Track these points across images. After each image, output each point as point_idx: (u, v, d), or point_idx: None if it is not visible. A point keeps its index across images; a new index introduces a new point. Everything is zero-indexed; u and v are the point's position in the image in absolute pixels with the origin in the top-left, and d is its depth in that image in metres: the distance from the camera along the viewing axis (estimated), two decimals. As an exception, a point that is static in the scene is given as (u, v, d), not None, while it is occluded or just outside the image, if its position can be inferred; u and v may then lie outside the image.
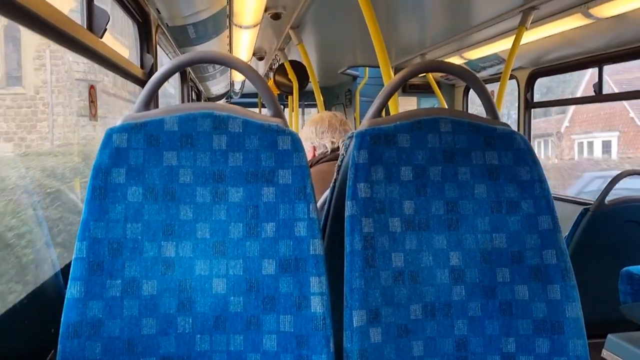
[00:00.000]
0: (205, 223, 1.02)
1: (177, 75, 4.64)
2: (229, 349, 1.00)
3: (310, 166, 2.14)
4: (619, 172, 2.79)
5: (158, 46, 2.76)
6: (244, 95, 8.59)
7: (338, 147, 2.15)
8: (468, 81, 1.17)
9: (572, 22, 3.12)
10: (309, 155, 2.23)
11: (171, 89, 5.04)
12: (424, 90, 5.71)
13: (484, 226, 1.10)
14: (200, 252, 1.02)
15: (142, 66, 2.43)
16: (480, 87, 1.16)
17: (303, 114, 9.32)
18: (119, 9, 2.22)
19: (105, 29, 1.67)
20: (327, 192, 1.27)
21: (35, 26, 1.22)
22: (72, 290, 0.97)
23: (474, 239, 1.09)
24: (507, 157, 1.12)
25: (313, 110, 9.36)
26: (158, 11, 2.45)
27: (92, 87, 1.68)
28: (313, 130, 2.21)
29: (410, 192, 1.09)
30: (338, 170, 1.20)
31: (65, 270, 1.01)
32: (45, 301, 1.24)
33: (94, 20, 1.64)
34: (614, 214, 2.69)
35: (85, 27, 1.61)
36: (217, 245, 1.02)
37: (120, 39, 3.37)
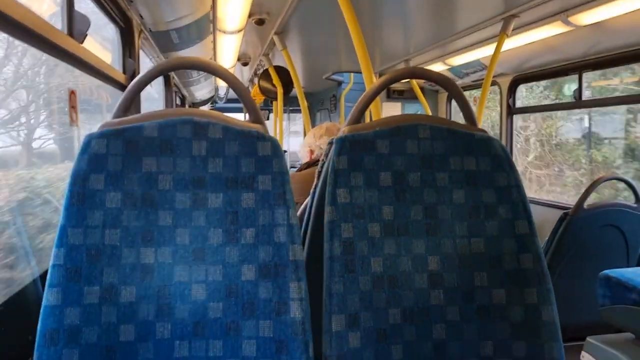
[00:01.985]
0: (185, 229, 1.02)
1: (161, 81, 4.61)
2: (208, 354, 1.00)
3: (305, 168, 2.18)
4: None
5: (141, 51, 2.75)
6: (229, 101, 8.58)
7: None
8: (446, 88, 1.19)
9: (552, 30, 3.18)
10: (306, 159, 2.29)
11: (155, 94, 5.01)
12: (408, 96, 5.76)
13: (462, 231, 1.11)
14: (179, 258, 1.01)
15: (124, 71, 2.42)
16: (458, 93, 1.18)
17: (288, 119, 9.33)
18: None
19: (86, 35, 1.66)
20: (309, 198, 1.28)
21: (14, 32, 1.21)
22: (49, 298, 0.96)
23: (452, 243, 1.10)
24: (485, 162, 1.13)
25: (298, 115, 9.37)
26: (141, 16, 2.44)
27: (72, 92, 1.67)
28: (312, 134, 2.33)
29: (390, 197, 1.10)
30: (318, 176, 1.21)
31: (45, 277, 1.00)
32: (23, 308, 1.23)
33: (74, 25, 1.64)
34: (593, 218, 2.73)
35: (65, 32, 1.60)
36: (196, 251, 1.02)
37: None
